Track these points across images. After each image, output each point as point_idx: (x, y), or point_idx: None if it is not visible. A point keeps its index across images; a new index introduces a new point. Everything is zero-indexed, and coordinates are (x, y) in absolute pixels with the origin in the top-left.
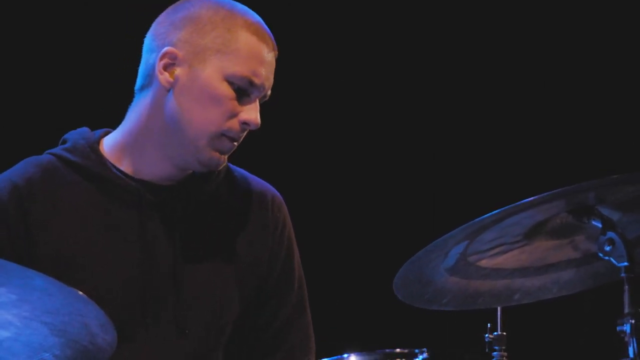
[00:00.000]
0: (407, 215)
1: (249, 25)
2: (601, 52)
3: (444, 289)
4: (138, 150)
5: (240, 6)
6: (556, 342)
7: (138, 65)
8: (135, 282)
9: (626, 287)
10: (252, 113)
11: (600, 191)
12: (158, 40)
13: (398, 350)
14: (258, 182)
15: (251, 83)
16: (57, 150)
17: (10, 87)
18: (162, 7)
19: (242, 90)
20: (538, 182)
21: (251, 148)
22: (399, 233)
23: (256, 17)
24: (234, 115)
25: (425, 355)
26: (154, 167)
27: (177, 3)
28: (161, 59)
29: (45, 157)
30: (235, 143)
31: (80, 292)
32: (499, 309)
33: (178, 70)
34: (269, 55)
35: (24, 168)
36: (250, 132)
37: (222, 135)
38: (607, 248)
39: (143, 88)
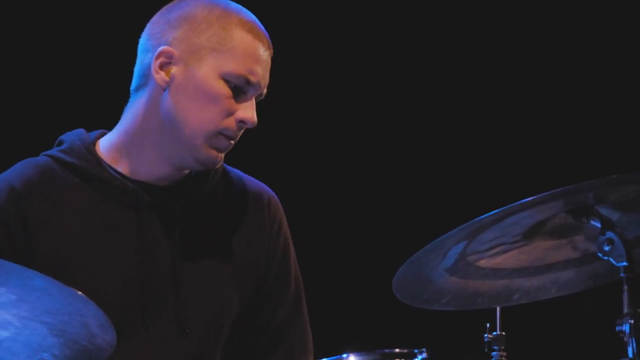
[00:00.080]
0: (406, 215)
1: (244, 24)
2: (601, 53)
3: (443, 289)
4: (135, 150)
5: (235, 5)
6: (555, 342)
7: (133, 66)
8: (134, 283)
9: (625, 287)
10: (248, 111)
11: (599, 191)
12: (153, 40)
13: (397, 350)
14: (254, 183)
15: (247, 81)
16: (54, 151)
17: (5, 88)
18: (158, 7)
19: (239, 89)
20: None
21: (249, 148)
22: (398, 233)
23: (251, 16)
24: (230, 113)
25: (424, 355)
26: (151, 168)
27: (172, 3)
28: (157, 58)
29: (42, 158)
30: (232, 141)
31: (80, 292)
32: (498, 309)
33: (174, 69)
34: (265, 54)
35: (21, 170)
36: (249, 132)
37: (219, 133)
38: (606, 248)
39: (139, 88)
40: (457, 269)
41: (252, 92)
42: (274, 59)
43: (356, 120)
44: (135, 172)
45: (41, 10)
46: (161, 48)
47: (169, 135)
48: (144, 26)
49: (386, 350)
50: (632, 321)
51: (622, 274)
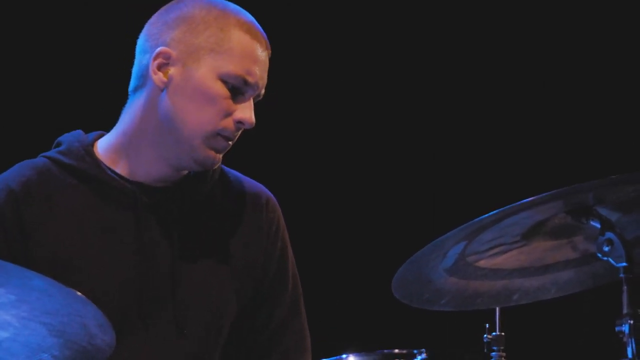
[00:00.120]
0: (407, 215)
1: (242, 24)
2: (600, 53)
3: (443, 290)
4: (133, 151)
5: (233, 6)
6: (555, 342)
7: (132, 67)
8: (133, 284)
9: (625, 287)
10: (246, 112)
11: (599, 191)
12: (151, 41)
13: (397, 350)
14: (252, 184)
15: (245, 82)
16: (52, 153)
17: (4, 89)
18: (156, 8)
19: (236, 89)
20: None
21: (247, 148)
22: (398, 233)
23: (249, 17)
24: (228, 114)
25: (423, 355)
26: (149, 168)
27: (170, 3)
28: (155, 59)
29: (40, 160)
30: (230, 142)
31: (79, 293)
32: (497, 309)
33: (172, 70)
34: (263, 54)
35: (19, 171)
36: (246, 133)
37: (217, 134)
38: (606, 248)
39: (137, 89)
40: (457, 270)
41: (250, 92)
42: (272, 59)
43: (356, 120)
44: (134, 173)
45: (40, 10)
46: (159, 49)
47: (167, 136)
48: (142, 26)
49: (386, 351)
50: (632, 322)
51: (621, 275)
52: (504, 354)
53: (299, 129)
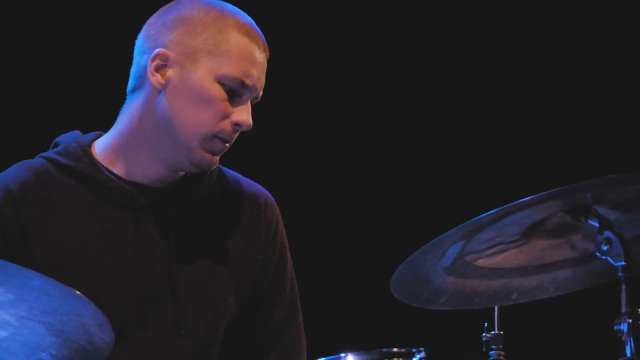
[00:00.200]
0: (406, 214)
1: (240, 26)
2: (599, 53)
3: (442, 289)
4: (130, 152)
5: (231, 7)
6: (553, 341)
7: (130, 67)
8: (132, 284)
9: (623, 286)
10: (243, 114)
11: (597, 191)
12: (149, 42)
13: (395, 349)
14: (250, 184)
15: (243, 84)
16: (50, 153)
17: (3, 89)
18: (155, 8)
19: (234, 91)
20: (535, 182)
21: (245, 148)
22: (398, 233)
23: (247, 18)
24: (225, 116)
25: (422, 354)
26: (146, 169)
27: (168, 4)
28: (153, 60)
29: (38, 160)
30: (227, 144)
31: (78, 292)
32: (496, 308)
33: (170, 72)
34: (261, 56)
35: (17, 172)
36: (246, 132)
37: (214, 136)
38: (605, 247)
39: (135, 90)
40: (456, 269)
41: (248, 95)
42: (271, 59)
43: (356, 120)
44: (131, 174)
45: (40, 10)
46: (157, 50)
47: (165, 138)
48: (141, 26)
49: (384, 350)
50: (631, 320)
51: (620, 274)
52: (502, 353)
53: (297, 128)
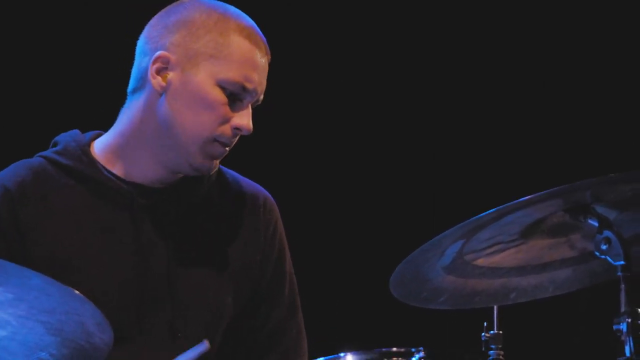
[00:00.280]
0: (406, 214)
1: (242, 30)
2: (599, 53)
3: (441, 288)
4: (130, 152)
5: (234, 10)
6: (553, 341)
7: (130, 67)
8: (130, 284)
9: (622, 285)
10: (244, 118)
11: (596, 190)
12: (151, 44)
13: (394, 349)
14: (249, 185)
15: (244, 88)
16: (48, 153)
17: (3, 88)
18: (156, 8)
19: (235, 95)
20: (535, 181)
21: (244, 149)
22: (398, 232)
23: (249, 21)
24: (226, 120)
25: (421, 354)
26: (145, 170)
27: (171, 6)
28: (154, 63)
29: (36, 160)
30: (227, 148)
31: (77, 292)
32: (495, 307)
33: (171, 75)
34: (262, 60)
35: (15, 171)
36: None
37: (214, 140)
38: (604, 247)
39: (135, 91)
40: (455, 268)
41: (249, 99)
42: (271, 59)
43: (356, 120)
44: (130, 174)
45: (40, 10)
46: (158, 53)
47: (165, 140)
48: (142, 26)
49: (383, 349)
50: (630, 320)
51: (619, 273)
52: (502, 352)
53: (297, 128)
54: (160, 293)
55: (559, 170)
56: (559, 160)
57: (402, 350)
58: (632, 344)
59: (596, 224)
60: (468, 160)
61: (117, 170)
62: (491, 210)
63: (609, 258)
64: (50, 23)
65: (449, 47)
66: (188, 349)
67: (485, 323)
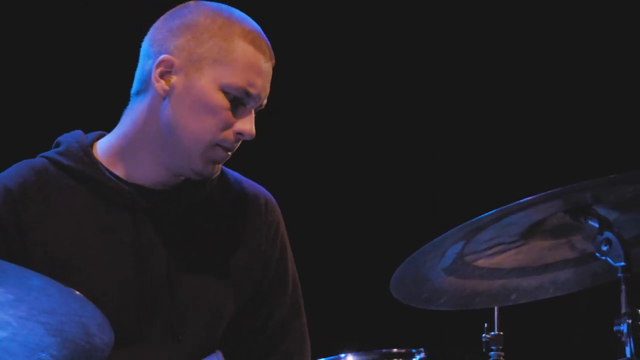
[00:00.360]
0: (406, 214)
1: (247, 35)
2: (599, 53)
3: (441, 289)
4: (132, 154)
5: (239, 14)
6: (553, 341)
7: (134, 68)
8: (131, 285)
9: (623, 287)
10: (247, 124)
11: (597, 191)
12: (155, 47)
13: (395, 350)
14: (251, 185)
15: (247, 93)
16: (50, 153)
17: (5, 88)
18: (158, 8)
19: (238, 100)
20: (535, 182)
21: (246, 149)
22: (398, 233)
23: (254, 26)
24: (228, 125)
25: (422, 355)
26: (147, 172)
27: (176, 8)
28: (157, 66)
29: (39, 160)
30: (229, 153)
31: (77, 292)
32: (496, 308)
33: (174, 79)
34: (266, 65)
35: (17, 171)
36: None
37: (217, 145)
38: (604, 248)
39: (139, 93)
40: (455, 269)
41: (252, 104)
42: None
43: (356, 120)
44: (132, 176)
45: (41, 11)
46: (162, 57)
47: (167, 144)
48: (146, 28)
49: (384, 350)
50: (630, 321)
51: (620, 274)
52: (502, 354)
53: (298, 129)
54: (161, 293)
55: (559, 171)
56: (560, 161)
57: (403, 351)
58: (632, 345)
59: (597, 225)
60: (468, 161)
61: (118, 171)
62: (492, 212)
63: (609, 259)
64: (53, 24)
65: (449, 48)
66: (188, 349)
67: (485, 324)
